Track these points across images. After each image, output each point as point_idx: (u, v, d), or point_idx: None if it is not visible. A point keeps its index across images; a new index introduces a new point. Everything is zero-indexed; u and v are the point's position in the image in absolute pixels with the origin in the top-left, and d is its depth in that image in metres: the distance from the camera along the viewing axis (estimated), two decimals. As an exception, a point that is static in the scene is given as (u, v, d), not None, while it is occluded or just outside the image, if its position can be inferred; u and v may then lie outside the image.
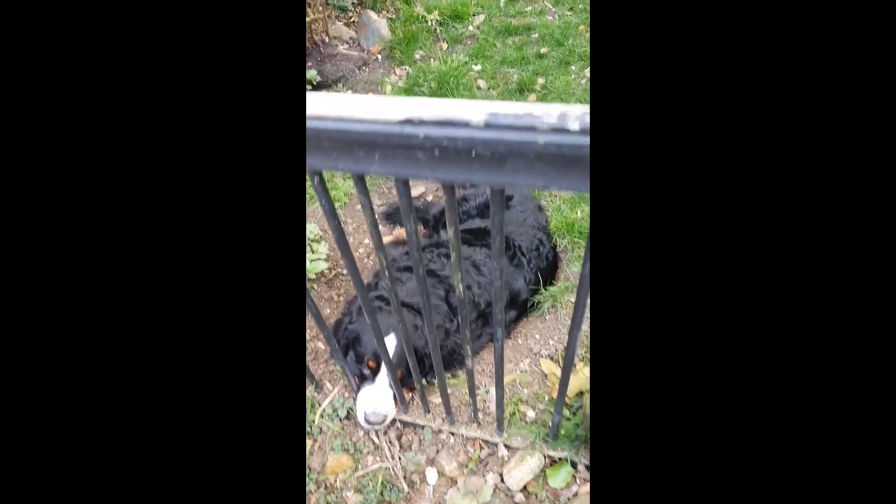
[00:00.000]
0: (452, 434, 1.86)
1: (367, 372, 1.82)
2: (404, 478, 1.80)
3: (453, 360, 1.97)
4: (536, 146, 0.59)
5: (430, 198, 2.91)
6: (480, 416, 1.86)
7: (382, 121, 0.64)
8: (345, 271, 2.51)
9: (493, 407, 1.88)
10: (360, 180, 0.86)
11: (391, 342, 1.78)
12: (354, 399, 1.88)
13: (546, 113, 0.58)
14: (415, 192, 2.88)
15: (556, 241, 2.44)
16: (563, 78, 3.27)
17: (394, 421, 1.90)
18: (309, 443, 1.87)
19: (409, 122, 0.63)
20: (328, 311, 2.32)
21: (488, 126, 0.60)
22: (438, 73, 3.23)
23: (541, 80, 3.28)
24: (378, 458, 1.84)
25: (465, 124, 0.61)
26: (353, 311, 2.00)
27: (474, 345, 2.10)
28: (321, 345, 2.15)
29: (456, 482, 1.78)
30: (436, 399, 1.92)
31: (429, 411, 1.87)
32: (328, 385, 2.00)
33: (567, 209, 2.53)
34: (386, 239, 2.65)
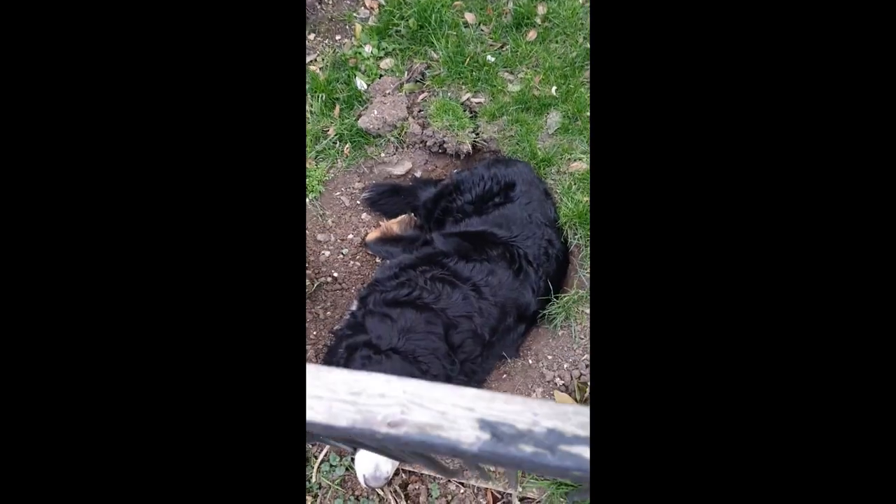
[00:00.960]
0: (462, 484, 1.72)
1: None
2: (414, 532, 1.69)
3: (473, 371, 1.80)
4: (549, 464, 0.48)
5: (419, 173, 2.53)
6: (490, 467, 1.70)
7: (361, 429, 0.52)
8: (329, 279, 2.23)
9: (504, 455, 1.72)
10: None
11: None
12: (352, 458, 1.71)
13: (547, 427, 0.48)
14: (401, 168, 2.49)
15: (566, 236, 2.12)
16: (568, 4, 2.69)
17: (398, 471, 1.75)
18: (309, 500, 1.74)
19: (388, 436, 0.52)
20: (314, 332, 2.08)
21: (483, 451, 0.49)
22: (418, 8, 2.65)
23: (541, 10, 2.70)
24: (385, 511, 1.72)
25: (454, 447, 0.50)
26: (340, 351, 1.76)
27: (479, 375, 1.89)
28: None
29: (469, 535, 1.68)
30: (442, 447, 1.75)
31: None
32: (323, 433, 1.82)
33: (579, 191, 2.17)
34: (371, 234, 2.32)
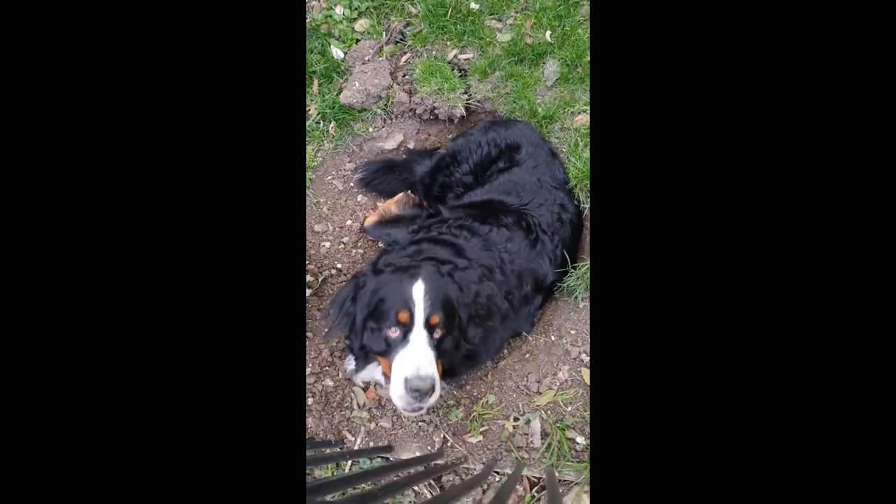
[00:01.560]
0: (497, 473, 1.69)
1: (395, 334, 1.40)
2: (454, 522, 1.67)
3: (490, 312, 1.59)
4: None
5: (412, 144, 2.36)
6: (524, 454, 1.66)
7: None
8: (333, 271, 2.13)
9: (536, 441, 1.67)
10: None
11: (420, 287, 1.39)
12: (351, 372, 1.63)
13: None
14: (392, 142, 2.31)
15: (578, 198, 1.98)
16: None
17: (432, 468, 1.71)
18: (344, 503, 1.72)
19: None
20: (325, 329, 2.00)
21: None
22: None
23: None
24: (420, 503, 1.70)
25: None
26: (365, 273, 1.56)
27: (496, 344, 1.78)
28: (330, 382, 1.88)
29: (510, 522, 1.66)
30: (471, 439, 1.70)
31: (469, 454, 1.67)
32: (349, 436, 1.78)
33: (587, 148, 2.01)
34: (369, 219, 2.19)
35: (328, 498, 0.84)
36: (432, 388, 1.34)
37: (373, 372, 1.64)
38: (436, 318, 1.38)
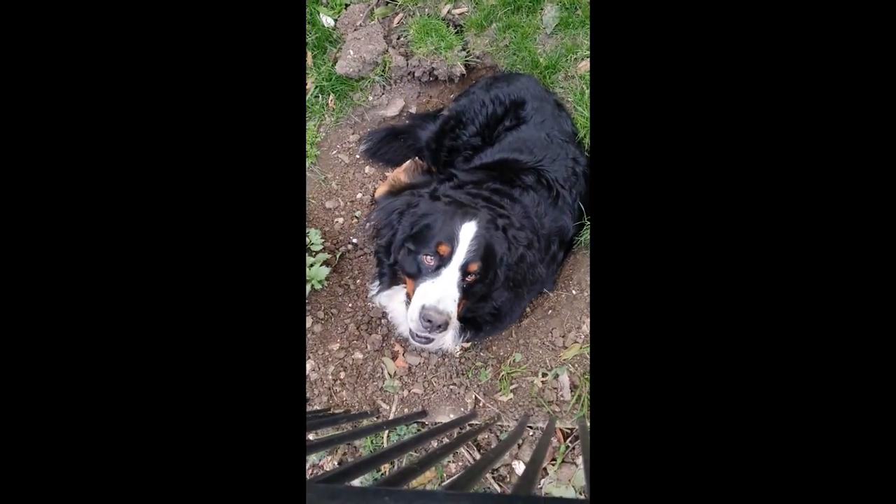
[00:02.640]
0: (531, 427, 1.74)
1: (430, 262, 1.40)
2: (493, 476, 1.74)
3: (524, 279, 1.58)
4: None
5: (414, 108, 2.31)
6: (555, 408, 1.70)
7: None
8: (349, 246, 2.14)
9: (566, 394, 1.71)
10: None
11: (471, 228, 1.38)
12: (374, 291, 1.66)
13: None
14: (394, 108, 2.27)
15: (588, 149, 1.94)
16: None
17: (467, 432, 1.77)
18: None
19: None
20: (350, 305, 2.03)
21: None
22: None
23: None
24: (461, 465, 1.77)
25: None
26: (422, 196, 1.54)
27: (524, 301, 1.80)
28: (360, 355, 1.92)
29: (547, 472, 1.72)
30: (502, 398, 1.75)
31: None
32: (383, 405, 1.84)
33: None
34: (380, 189, 2.18)
35: (367, 477, 0.87)
36: (446, 324, 1.34)
37: (391, 298, 1.67)
38: (474, 266, 1.37)
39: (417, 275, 1.43)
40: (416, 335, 1.43)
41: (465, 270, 1.37)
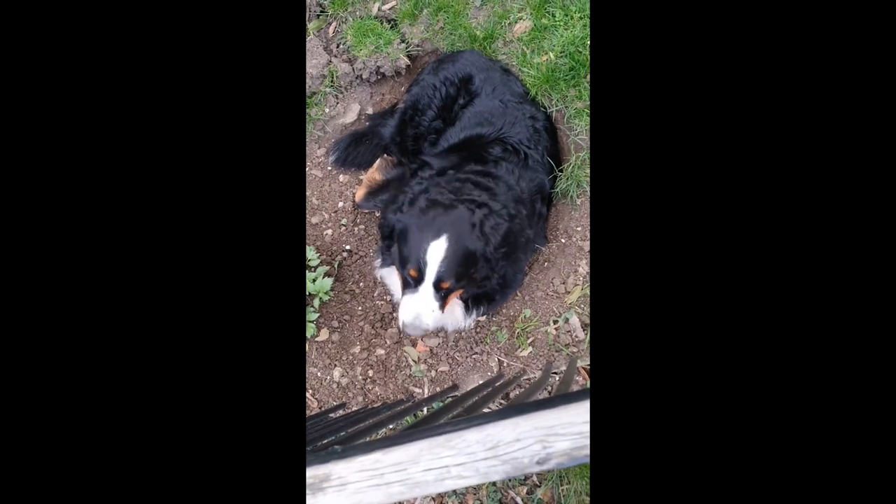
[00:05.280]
0: (555, 374, 1.84)
1: (410, 276, 1.55)
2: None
3: (517, 246, 1.70)
4: None
5: (370, 110, 2.38)
6: (573, 349, 1.81)
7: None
8: (344, 254, 2.22)
9: (579, 335, 1.81)
10: None
11: (440, 246, 1.49)
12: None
13: None
14: (351, 114, 2.34)
15: (543, 105, 2.03)
16: None
17: (497, 387, 1.87)
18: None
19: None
20: (359, 308, 2.12)
21: None
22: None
23: None
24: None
25: None
26: (403, 202, 1.66)
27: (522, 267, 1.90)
28: (382, 351, 2.01)
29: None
30: (522, 353, 1.85)
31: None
32: (416, 389, 1.94)
33: (534, 54, 2.03)
34: (359, 193, 2.25)
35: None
36: (426, 331, 1.60)
37: (392, 273, 1.79)
38: (446, 284, 1.52)
39: (404, 284, 1.59)
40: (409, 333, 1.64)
41: (438, 286, 1.51)
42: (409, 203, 1.63)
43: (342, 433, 1.08)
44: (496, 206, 1.64)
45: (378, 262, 1.89)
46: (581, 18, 1.94)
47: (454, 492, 1.83)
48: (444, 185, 1.70)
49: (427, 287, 1.52)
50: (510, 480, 1.84)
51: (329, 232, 2.25)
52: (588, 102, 1.88)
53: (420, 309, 1.52)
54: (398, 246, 1.58)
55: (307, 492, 0.55)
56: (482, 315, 1.87)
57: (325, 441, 0.92)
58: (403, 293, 1.58)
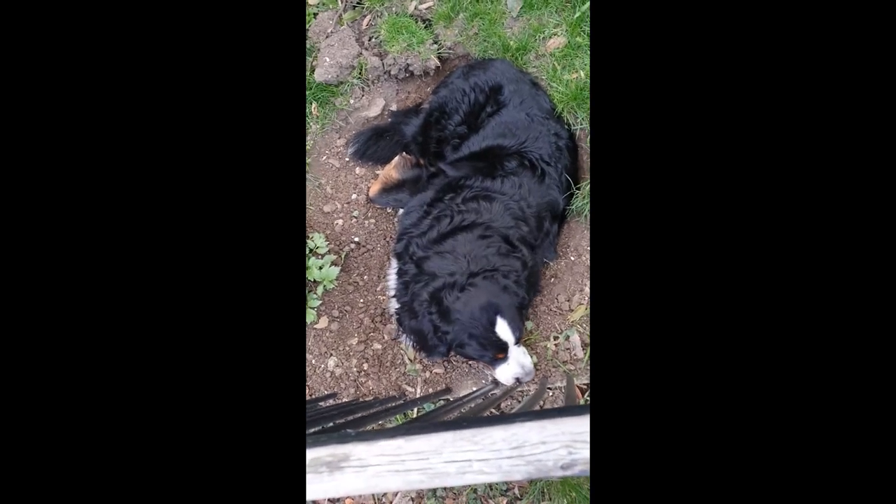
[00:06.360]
0: (550, 388, 1.85)
1: (497, 359, 1.72)
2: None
3: (537, 275, 1.90)
4: None
5: (394, 106, 2.39)
6: (570, 367, 1.81)
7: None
8: (352, 245, 2.22)
9: (578, 353, 1.82)
10: None
11: (502, 323, 1.66)
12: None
13: None
14: (375, 108, 2.34)
15: (568, 123, 2.04)
16: None
17: (490, 399, 1.87)
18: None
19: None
20: (361, 300, 2.11)
21: None
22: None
23: None
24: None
25: None
26: (420, 308, 1.75)
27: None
28: (378, 346, 2.01)
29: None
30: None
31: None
32: (409, 388, 1.93)
33: (565, 71, 2.05)
34: (373, 188, 2.26)
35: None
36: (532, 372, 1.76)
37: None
38: (518, 334, 1.68)
39: (489, 363, 1.76)
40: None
41: (518, 341, 1.70)
42: (433, 301, 1.73)
43: (330, 423, 1.08)
44: (504, 267, 1.74)
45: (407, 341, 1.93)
46: (615, 42, 1.96)
47: (433, 494, 1.82)
48: (435, 248, 1.79)
49: (514, 349, 1.69)
50: (490, 490, 1.83)
51: (340, 222, 2.25)
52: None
53: (522, 362, 1.71)
54: (468, 349, 1.72)
55: (325, 469, 0.55)
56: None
57: (332, 424, 0.92)
58: (494, 366, 1.73)
